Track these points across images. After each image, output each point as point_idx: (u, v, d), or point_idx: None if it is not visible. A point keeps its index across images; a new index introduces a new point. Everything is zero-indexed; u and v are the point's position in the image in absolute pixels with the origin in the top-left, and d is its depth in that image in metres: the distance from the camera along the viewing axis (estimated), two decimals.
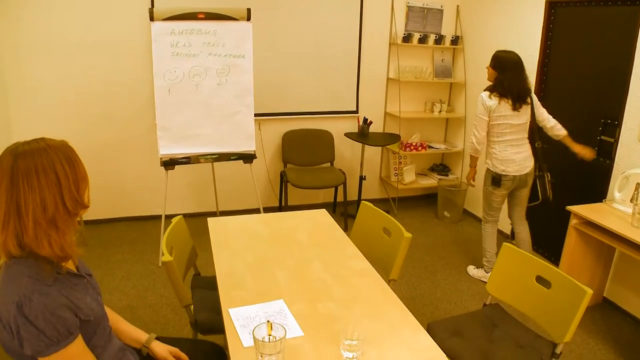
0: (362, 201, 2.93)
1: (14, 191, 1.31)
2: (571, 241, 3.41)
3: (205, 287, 2.57)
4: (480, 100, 3.61)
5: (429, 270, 4.10)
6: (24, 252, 1.35)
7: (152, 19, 3.73)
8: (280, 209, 5.15)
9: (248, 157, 4.07)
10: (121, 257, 4.14)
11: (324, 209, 2.98)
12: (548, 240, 4.34)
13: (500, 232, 4.87)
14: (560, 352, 2.17)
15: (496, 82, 3.59)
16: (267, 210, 4.91)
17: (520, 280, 2.40)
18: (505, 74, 3.54)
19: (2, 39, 4.15)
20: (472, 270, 4.10)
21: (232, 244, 2.46)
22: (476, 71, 5.11)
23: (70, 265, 1.51)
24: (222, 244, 2.45)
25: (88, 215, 4.73)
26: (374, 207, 2.84)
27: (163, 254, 2.16)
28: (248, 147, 4.05)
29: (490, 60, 3.64)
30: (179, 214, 2.68)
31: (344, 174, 4.77)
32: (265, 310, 1.87)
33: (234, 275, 2.14)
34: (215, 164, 4.59)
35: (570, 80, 4.01)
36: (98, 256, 4.15)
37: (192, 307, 2.37)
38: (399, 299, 2.01)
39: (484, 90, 3.61)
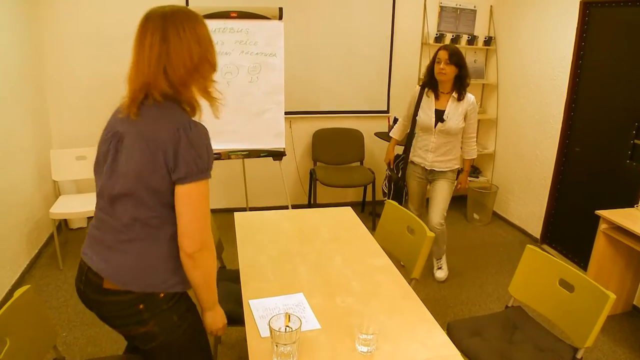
0: (387, 200, 2.95)
1: (164, 35, 1.48)
2: (600, 246, 3.36)
3: (230, 280, 2.64)
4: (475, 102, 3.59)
5: (455, 272, 4.08)
6: (171, 91, 1.52)
7: None
8: (309, 206, 5.20)
9: (277, 155, 4.14)
10: None
11: (350, 207, 3.01)
12: (577, 245, 4.27)
13: (529, 234, 4.83)
14: (582, 358, 2.15)
15: (460, 80, 3.45)
16: (296, 207, 4.93)
17: (543, 283, 2.39)
18: (465, 70, 3.45)
19: (43, 31, 4.31)
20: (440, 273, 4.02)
21: (257, 238, 2.52)
22: (509, 72, 5.06)
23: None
24: (247, 238, 2.51)
25: None
26: (399, 205, 2.86)
27: None
28: (278, 144, 4.11)
29: (450, 56, 3.37)
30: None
31: (372, 173, 4.80)
32: (285, 303, 1.91)
33: (257, 268, 2.20)
34: (245, 160, 4.66)
35: (604, 82, 3.94)
36: None
37: None
38: (417, 296, 2.03)
39: (469, 93, 3.54)
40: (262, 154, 4.09)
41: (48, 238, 4.27)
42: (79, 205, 3.94)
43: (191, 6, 3.96)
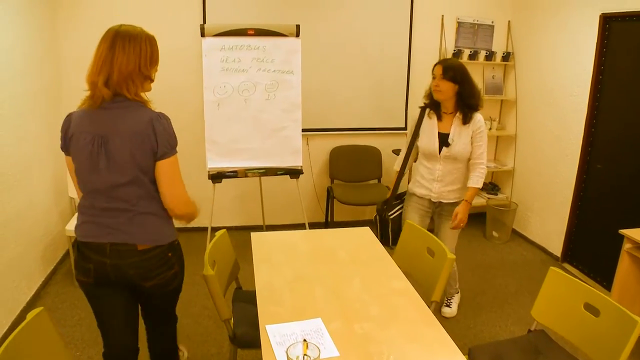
0: (407, 221, 2.90)
1: (112, 49, 1.88)
2: (624, 267, 3.26)
3: (246, 301, 2.60)
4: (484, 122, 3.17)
5: (474, 292, 4.00)
6: (110, 92, 1.88)
7: (203, 34, 3.83)
8: (326, 224, 5.16)
9: (295, 173, 4.11)
10: None
11: (368, 227, 2.96)
12: (599, 264, 4.17)
13: (549, 253, 4.73)
14: None
15: (462, 99, 3.04)
16: (313, 225, 4.92)
17: (568, 307, 2.31)
18: (467, 86, 3.04)
19: (62, 51, 4.36)
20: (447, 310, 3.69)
21: (273, 258, 2.48)
22: (528, 88, 5.00)
23: None
24: (263, 258, 2.47)
25: None
26: (418, 226, 2.81)
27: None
28: (295, 162, 4.08)
29: (444, 71, 3.00)
30: (226, 227, 2.72)
31: (389, 189, 4.73)
32: (302, 329, 1.87)
33: (273, 291, 2.15)
34: (262, 178, 4.64)
35: (626, 97, 3.85)
36: None
37: (231, 320, 2.40)
38: (437, 321, 1.97)
39: (478, 112, 3.11)
40: (279, 172, 4.06)
41: (64, 255, 4.27)
42: None
43: (208, 24, 3.97)
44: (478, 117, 3.09)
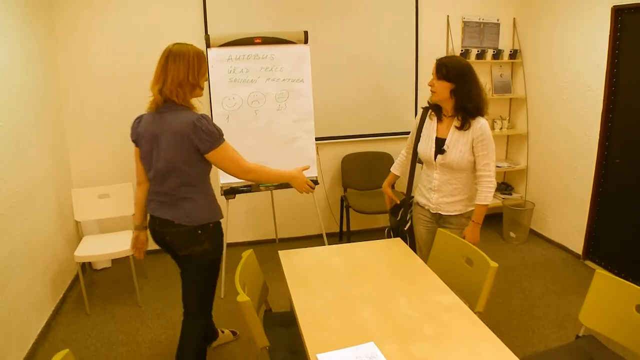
0: (439, 229, 2.76)
1: (166, 62, 2.32)
2: None
3: (279, 325, 2.45)
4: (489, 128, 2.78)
5: (501, 296, 3.87)
6: (164, 99, 2.32)
7: (208, 45, 3.70)
8: (341, 234, 5.03)
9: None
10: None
11: (399, 238, 2.83)
12: (622, 259, 4.08)
13: (570, 251, 4.61)
14: None
15: (462, 97, 2.70)
16: (329, 235, 4.77)
17: (618, 310, 2.20)
18: (463, 86, 2.70)
19: (59, 68, 4.21)
20: None
21: (309, 279, 2.33)
22: (538, 85, 4.90)
23: None
24: (298, 279, 2.33)
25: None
26: (451, 234, 2.68)
27: (238, 293, 2.04)
28: (309, 173, 3.90)
29: (438, 68, 2.73)
30: (238, 243, 2.60)
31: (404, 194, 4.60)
32: (357, 355, 1.73)
33: (316, 315, 2.01)
34: (274, 190, 4.50)
35: None
36: (159, 289, 4.09)
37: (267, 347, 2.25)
38: (495, 336, 1.85)
39: (482, 117, 2.74)
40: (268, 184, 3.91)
41: (72, 280, 4.10)
42: (104, 247, 3.77)
43: (213, 35, 3.82)
44: (480, 122, 2.69)
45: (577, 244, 4.54)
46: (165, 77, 2.30)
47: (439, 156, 2.80)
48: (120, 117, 4.38)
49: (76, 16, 4.15)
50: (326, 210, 5.04)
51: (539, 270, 4.34)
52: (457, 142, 2.75)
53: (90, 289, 4.09)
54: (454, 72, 2.66)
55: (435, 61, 2.77)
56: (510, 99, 5.31)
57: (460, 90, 2.67)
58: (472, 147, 2.73)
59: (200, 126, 2.25)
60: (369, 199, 4.67)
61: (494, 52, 5.01)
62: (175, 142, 2.28)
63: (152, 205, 2.52)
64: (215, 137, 2.30)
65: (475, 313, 2.19)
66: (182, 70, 2.30)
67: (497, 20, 5.04)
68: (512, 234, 4.95)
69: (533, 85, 4.99)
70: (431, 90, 2.79)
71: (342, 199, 4.76)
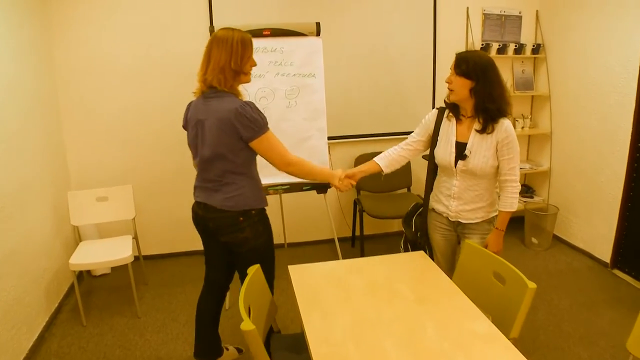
0: (466, 241, 2.50)
1: (209, 48, 2.30)
2: None
3: (289, 349, 2.19)
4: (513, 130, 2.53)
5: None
6: (207, 85, 2.32)
7: None
8: (353, 238, 4.79)
9: (322, 187, 3.70)
10: (184, 298, 3.82)
11: (422, 251, 2.56)
12: None
13: (596, 259, 4.33)
14: None
15: (478, 101, 2.45)
16: (341, 240, 4.50)
17: None
18: (484, 85, 2.43)
19: (58, 64, 3.98)
20: None
21: (322, 300, 2.07)
22: (563, 82, 4.61)
23: None
24: (310, 300, 2.06)
25: (149, 249, 4.46)
26: (480, 247, 2.41)
27: (243, 320, 1.78)
28: None
29: (457, 64, 2.47)
30: None
31: (423, 199, 4.32)
32: None
33: (333, 344, 1.75)
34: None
35: None
36: (159, 296, 3.85)
37: None
38: None
39: (505, 118, 2.49)
40: (304, 188, 3.65)
41: (69, 288, 3.86)
42: (101, 254, 3.53)
43: (217, 25, 3.57)
44: (504, 124, 2.44)
45: (604, 252, 4.26)
46: (208, 63, 2.30)
47: (460, 162, 2.54)
48: (121, 115, 4.16)
49: (75, 7, 3.91)
50: (338, 214, 4.77)
51: (564, 280, 4.06)
52: (480, 147, 2.49)
53: (87, 297, 3.86)
54: (475, 69, 2.39)
55: (454, 55, 2.51)
56: (533, 96, 5.02)
57: (481, 89, 2.40)
58: (497, 151, 2.48)
59: (244, 113, 2.23)
60: (384, 203, 4.40)
61: (515, 46, 4.73)
62: (219, 128, 2.27)
63: (197, 191, 2.53)
64: (259, 125, 2.28)
65: (509, 339, 1.94)
66: (224, 56, 2.26)
67: (519, 12, 4.75)
68: (534, 240, 4.68)
69: (557, 82, 4.70)
70: (449, 88, 2.52)
71: (355, 202, 4.50)
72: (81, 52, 3.98)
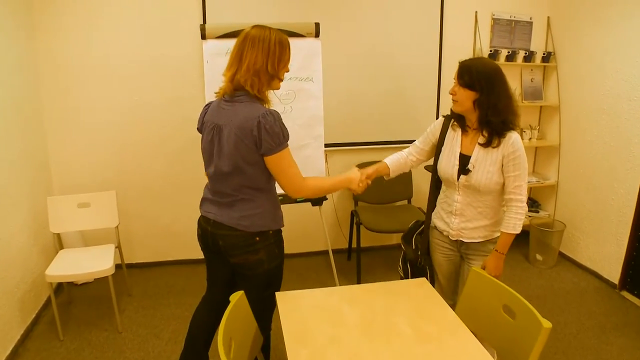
0: (472, 268, 2.28)
1: (242, 46, 2.05)
2: None
3: None
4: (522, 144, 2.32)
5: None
6: (235, 87, 2.07)
7: (203, 37, 3.25)
8: (350, 251, 4.58)
9: (317, 199, 3.48)
10: (169, 312, 3.60)
11: (424, 278, 2.34)
12: None
13: (604, 279, 4.12)
14: None
15: (486, 109, 2.25)
16: (336, 252, 4.29)
17: None
18: (488, 96, 2.23)
19: (41, 62, 3.76)
20: None
21: (312, 337, 1.84)
22: (574, 92, 4.40)
23: None
24: (298, 336, 1.84)
25: (134, 257, 4.25)
26: (489, 275, 2.20)
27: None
28: None
29: (460, 74, 2.28)
30: None
31: (424, 213, 4.10)
32: None
33: None
34: None
35: None
36: (143, 309, 3.63)
37: None
38: None
39: (514, 131, 2.29)
40: (298, 200, 3.43)
41: (47, 299, 3.64)
42: (81, 264, 3.30)
43: (209, 24, 3.35)
44: (512, 138, 2.25)
45: (612, 272, 4.05)
46: (240, 63, 2.06)
47: (462, 177, 2.36)
48: (107, 118, 3.95)
49: (59, 6, 3.71)
50: (334, 225, 4.55)
51: (570, 301, 3.85)
52: (484, 161, 2.31)
53: (67, 308, 3.65)
54: (479, 79, 2.20)
55: (457, 64, 2.31)
56: (541, 106, 4.81)
57: (485, 101, 2.22)
58: (502, 166, 2.29)
59: (265, 123, 2.00)
60: (383, 216, 4.18)
61: (525, 54, 4.51)
62: (237, 137, 2.04)
63: (207, 204, 2.31)
64: (278, 139, 2.04)
65: None
66: (261, 57, 2.05)
67: (530, 18, 4.54)
68: (538, 257, 4.47)
69: (568, 92, 4.49)
70: (453, 99, 2.33)
71: (353, 214, 4.28)
72: (65, 53, 3.77)
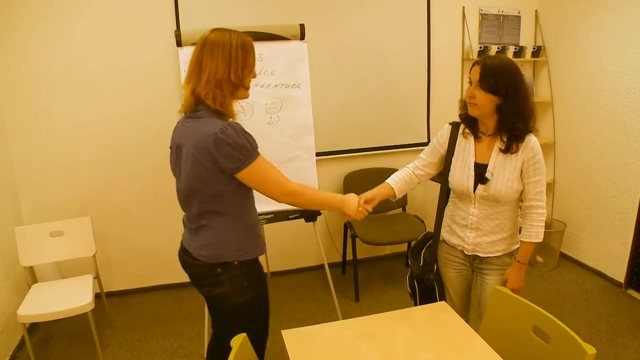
0: (495, 287, 2.07)
1: (201, 55, 1.84)
2: None
3: None
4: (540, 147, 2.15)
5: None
6: (195, 101, 1.86)
7: (179, 44, 2.99)
8: (344, 265, 4.35)
9: (311, 215, 3.24)
10: (156, 345, 3.32)
11: (444, 302, 2.13)
12: None
13: (609, 278, 4.00)
14: None
15: (503, 118, 2.08)
16: (330, 266, 4.05)
17: None
18: (513, 101, 2.05)
19: (2, 72, 3.46)
20: None
21: None
22: (567, 87, 4.25)
23: None
24: None
25: (114, 285, 3.96)
26: (515, 295, 1.99)
27: None
28: None
29: (483, 76, 2.04)
30: None
31: (422, 221, 3.90)
32: None
33: None
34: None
35: None
36: (128, 343, 3.35)
37: None
38: None
39: (531, 134, 2.12)
40: (290, 216, 3.19)
41: (22, 338, 3.33)
42: (57, 300, 3.00)
43: (185, 30, 3.08)
44: (531, 141, 2.09)
45: (617, 271, 3.92)
46: (199, 74, 1.83)
47: (480, 187, 2.17)
48: (77, 135, 3.65)
49: (17, 11, 3.39)
50: (326, 239, 4.31)
51: (578, 303, 3.70)
52: (503, 168, 2.14)
53: (44, 346, 3.35)
54: (505, 84, 2.01)
55: (475, 64, 2.10)
56: (533, 102, 4.65)
57: (511, 107, 2.04)
58: (521, 173, 2.13)
59: (225, 138, 1.76)
60: (378, 227, 3.96)
61: (515, 49, 4.35)
62: (193, 157, 1.83)
63: (184, 229, 2.14)
64: (246, 152, 1.81)
65: None
66: (222, 66, 1.82)
67: (518, 12, 4.38)
68: (539, 259, 4.31)
69: (560, 88, 4.34)
70: (470, 102, 2.11)
71: (346, 226, 4.05)
72: (27, 64, 3.46)
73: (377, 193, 2.40)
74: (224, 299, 2.00)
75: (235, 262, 1.96)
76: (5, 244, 3.23)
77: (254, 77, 1.95)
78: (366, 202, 2.34)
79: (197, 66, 1.83)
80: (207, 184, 1.85)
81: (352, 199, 2.24)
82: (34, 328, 3.49)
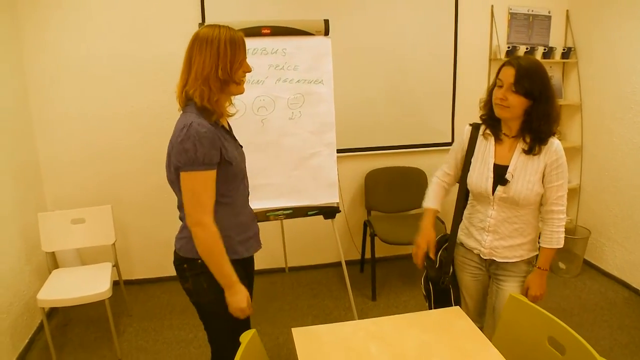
0: (512, 294, 2.03)
1: (191, 51, 1.83)
2: None
3: None
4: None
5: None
6: (185, 97, 1.84)
7: None
8: (362, 263, 4.34)
9: (330, 212, 3.22)
10: (171, 335, 3.35)
11: (458, 307, 2.09)
12: None
13: (634, 289, 3.89)
14: None
15: (531, 120, 2.04)
16: (348, 263, 4.04)
17: None
18: (544, 105, 2.02)
19: (28, 64, 3.52)
20: None
21: None
22: (597, 90, 4.15)
23: (224, 123, 1.99)
24: None
25: (133, 273, 4.01)
26: (531, 303, 1.95)
27: None
28: (330, 198, 3.18)
29: (518, 79, 1.99)
30: None
31: (442, 222, 3.85)
32: None
33: None
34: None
35: None
36: (144, 331, 3.39)
37: None
38: None
39: (554, 137, 2.09)
40: (310, 212, 3.17)
41: (40, 325, 3.38)
42: (75, 286, 3.06)
43: (209, 21, 3.10)
44: (554, 144, 2.06)
45: (634, 277, 3.86)
46: (188, 71, 1.83)
47: (499, 188, 2.13)
48: (101, 126, 3.72)
49: (46, 6, 3.45)
50: (345, 236, 4.29)
51: (600, 313, 3.61)
52: (524, 170, 2.09)
53: (63, 330, 3.41)
54: (539, 88, 1.98)
55: (507, 65, 2.04)
56: (561, 105, 4.55)
57: (540, 110, 2.01)
58: (543, 176, 2.09)
59: (179, 136, 1.77)
60: (398, 225, 3.93)
61: (544, 50, 4.26)
62: (169, 151, 1.87)
63: None
64: (187, 158, 1.75)
65: None
66: (209, 62, 1.79)
67: (549, 12, 4.28)
68: (561, 265, 4.22)
69: (590, 90, 4.24)
70: (501, 105, 2.05)
71: (366, 224, 4.03)
72: (55, 58, 3.53)
73: (428, 226, 2.38)
74: (190, 294, 2.01)
75: (199, 261, 1.88)
76: (29, 229, 3.29)
77: (249, 71, 1.90)
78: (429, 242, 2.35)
79: (187, 62, 1.83)
80: (177, 177, 1.83)
81: (242, 293, 1.91)
82: (53, 312, 3.55)
